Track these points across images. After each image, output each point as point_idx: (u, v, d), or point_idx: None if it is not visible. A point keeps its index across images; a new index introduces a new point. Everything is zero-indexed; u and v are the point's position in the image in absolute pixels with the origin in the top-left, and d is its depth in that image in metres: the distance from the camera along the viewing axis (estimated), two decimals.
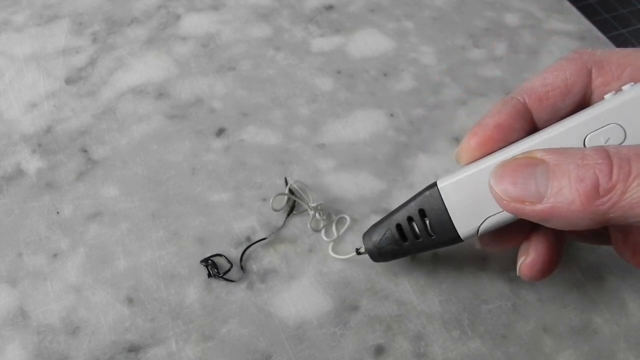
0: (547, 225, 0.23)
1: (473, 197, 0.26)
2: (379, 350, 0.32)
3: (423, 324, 0.33)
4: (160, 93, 0.43)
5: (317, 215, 0.35)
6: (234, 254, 0.35)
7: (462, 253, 0.35)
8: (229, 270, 0.34)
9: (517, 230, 0.28)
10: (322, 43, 0.47)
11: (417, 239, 0.29)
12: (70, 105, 0.42)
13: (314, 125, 0.41)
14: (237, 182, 0.38)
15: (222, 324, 0.33)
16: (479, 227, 0.26)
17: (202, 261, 0.34)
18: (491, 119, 0.27)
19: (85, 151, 0.40)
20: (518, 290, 0.34)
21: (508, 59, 0.47)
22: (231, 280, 0.34)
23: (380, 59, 0.46)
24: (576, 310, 0.33)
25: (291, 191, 0.36)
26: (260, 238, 0.35)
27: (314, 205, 0.36)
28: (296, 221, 0.37)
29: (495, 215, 0.26)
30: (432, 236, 0.28)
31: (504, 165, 0.23)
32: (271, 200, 0.36)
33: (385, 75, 0.45)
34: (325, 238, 0.35)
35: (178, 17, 0.48)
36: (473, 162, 0.27)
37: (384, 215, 0.31)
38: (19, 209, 0.37)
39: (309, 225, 0.36)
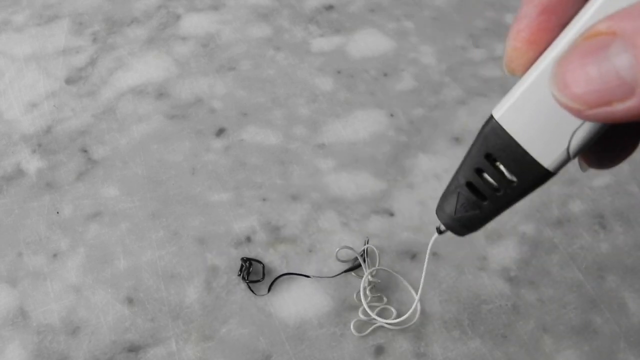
0: None
1: (544, 114, 0.19)
2: (379, 350, 0.32)
3: (423, 324, 0.33)
4: (160, 93, 0.43)
5: (367, 291, 0.33)
6: (234, 254, 0.35)
7: (462, 253, 0.35)
8: (257, 280, 0.34)
9: (630, 128, 0.21)
10: (322, 43, 0.47)
11: (497, 191, 0.22)
12: (70, 105, 0.42)
13: (314, 125, 0.41)
14: (237, 182, 0.38)
15: (222, 324, 0.33)
16: (568, 148, 0.20)
17: (242, 258, 0.34)
18: (532, 5, 0.19)
19: (85, 151, 0.40)
20: (518, 290, 0.34)
21: None
22: (251, 290, 0.34)
23: (380, 59, 0.46)
24: (576, 310, 0.33)
25: (365, 251, 0.35)
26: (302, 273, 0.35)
27: (370, 279, 0.34)
28: (296, 221, 0.37)
29: (582, 127, 0.19)
30: (513, 182, 0.21)
31: (561, 62, 0.16)
32: (336, 251, 0.35)
33: (385, 75, 0.45)
34: (361, 316, 0.33)
35: (178, 17, 0.48)
36: (530, 68, 0.20)
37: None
38: (19, 209, 0.37)
39: (360, 289, 0.33)
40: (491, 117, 0.21)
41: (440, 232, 0.26)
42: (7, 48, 0.46)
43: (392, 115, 0.42)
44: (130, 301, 0.33)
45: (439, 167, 0.39)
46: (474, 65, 0.46)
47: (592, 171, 0.39)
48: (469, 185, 0.23)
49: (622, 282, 0.34)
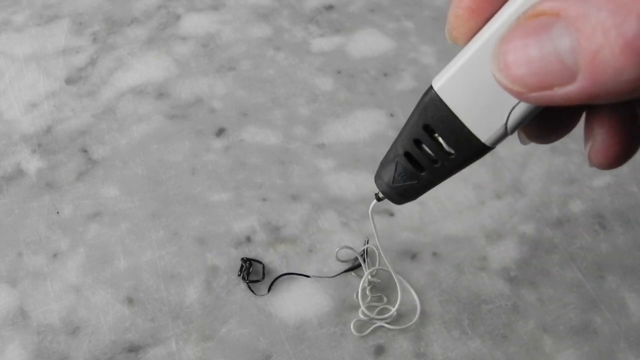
0: (594, 103, 0.15)
1: (483, 88, 0.19)
2: (379, 350, 0.32)
3: (423, 324, 0.33)
4: (160, 93, 0.43)
5: (367, 291, 0.34)
6: (234, 254, 0.35)
7: (462, 253, 0.35)
8: (257, 280, 0.34)
9: (570, 107, 0.20)
10: (322, 43, 0.47)
11: (435, 163, 0.22)
12: (70, 105, 0.42)
13: (314, 125, 0.41)
14: (237, 182, 0.38)
15: (222, 324, 0.33)
16: (506, 124, 0.19)
17: (242, 259, 0.34)
18: None
19: (85, 151, 0.40)
20: (518, 290, 0.34)
21: None
22: (251, 290, 0.34)
23: (380, 59, 0.46)
24: (576, 310, 0.33)
25: (365, 251, 0.35)
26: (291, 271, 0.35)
27: (370, 278, 0.34)
28: (296, 221, 0.37)
29: (521, 103, 0.19)
30: (451, 154, 0.21)
31: (503, 41, 0.15)
32: (337, 251, 0.35)
33: (385, 75, 0.45)
34: (361, 316, 0.33)
35: (178, 17, 0.48)
36: (473, 38, 0.19)
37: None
38: (19, 209, 0.37)
39: (359, 289, 0.34)
40: (430, 87, 0.21)
41: (378, 199, 0.26)
42: (7, 48, 0.46)
43: (392, 115, 0.42)
44: (130, 301, 0.33)
45: None
46: None
47: (592, 171, 0.39)
48: (407, 155, 0.22)
49: (622, 282, 0.34)
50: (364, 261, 0.34)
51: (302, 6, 0.49)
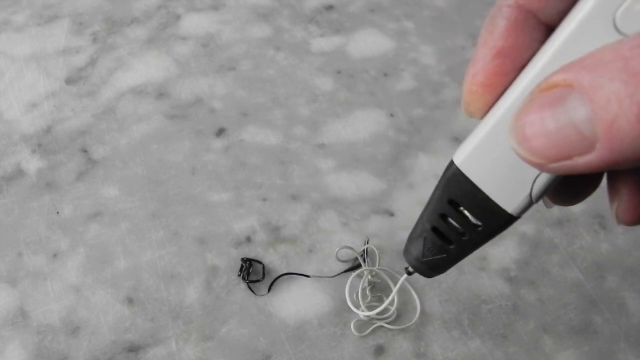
0: (615, 169, 0.16)
1: (505, 161, 0.20)
2: (379, 350, 0.32)
3: (423, 324, 0.33)
4: (160, 93, 0.43)
5: (367, 291, 0.34)
6: (234, 254, 0.35)
7: None
8: (257, 280, 0.34)
9: None
10: (322, 43, 0.47)
11: (463, 236, 0.22)
12: (70, 105, 0.42)
13: (314, 125, 0.41)
14: (237, 182, 0.38)
15: (222, 324, 0.33)
16: (530, 194, 0.20)
17: (242, 259, 0.34)
18: (487, 48, 0.19)
19: (85, 151, 0.40)
20: (518, 290, 0.34)
21: None
22: (251, 290, 0.34)
23: (380, 59, 0.46)
24: (576, 310, 0.33)
25: (365, 251, 0.35)
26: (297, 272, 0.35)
27: (370, 278, 0.34)
28: (296, 221, 0.37)
29: (544, 173, 0.19)
30: (478, 227, 0.22)
31: (519, 115, 0.16)
32: (337, 251, 0.35)
33: (385, 75, 0.45)
34: (361, 316, 0.33)
35: (178, 17, 0.48)
36: (490, 111, 0.20)
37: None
38: (19, 209, 0.37)
39: (359, 289, 0.34)
40: (452, 162, 0.21)
41: (409, 273, 0.26)
42: (7, 48, 0.46)
43: (392, 115, 0.42)
44: (130, 301, 0.33)
45: (439, 167, 0.39)
46: None
47: None
48: (435, 229, 0.23)
49: (622, 282, 0.34)
50: (364, 261, 0.34)
51: (302, 6, 0.49)
